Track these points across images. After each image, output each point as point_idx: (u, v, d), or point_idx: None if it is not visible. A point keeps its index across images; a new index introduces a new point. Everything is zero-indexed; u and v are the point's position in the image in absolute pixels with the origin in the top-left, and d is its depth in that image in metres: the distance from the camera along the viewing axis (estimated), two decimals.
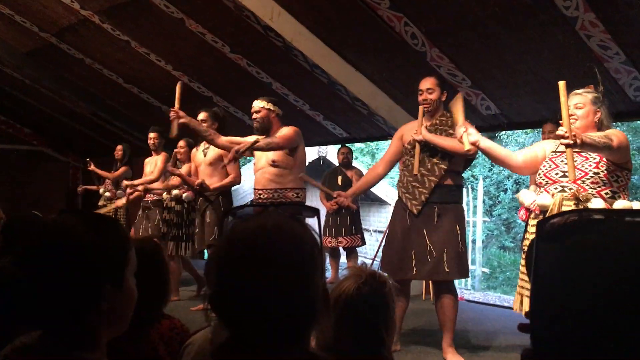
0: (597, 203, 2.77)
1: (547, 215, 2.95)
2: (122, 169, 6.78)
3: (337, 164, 6.86)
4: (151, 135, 6.05)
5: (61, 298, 1.00)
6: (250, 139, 4.16)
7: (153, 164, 6.04)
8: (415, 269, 3.63)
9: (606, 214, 0.62)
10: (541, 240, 0.62)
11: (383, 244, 3.95)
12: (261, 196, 4.29)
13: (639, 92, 4.15)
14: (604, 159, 2.84)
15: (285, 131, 4.21)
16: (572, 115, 2.92)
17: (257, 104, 4.31)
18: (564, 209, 2.79)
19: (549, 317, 0.57)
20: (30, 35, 6.66)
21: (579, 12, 3.62)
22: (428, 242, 3.59)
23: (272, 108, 4.30)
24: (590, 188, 2.82)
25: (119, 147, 7.02)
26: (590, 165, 2.85)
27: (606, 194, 2.81)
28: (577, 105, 2.94)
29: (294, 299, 0.92)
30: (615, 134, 2.80)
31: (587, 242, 0.57)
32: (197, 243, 5.04)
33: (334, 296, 1.53)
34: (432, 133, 3.68)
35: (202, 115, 4.92)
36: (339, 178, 6.41)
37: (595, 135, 2.73)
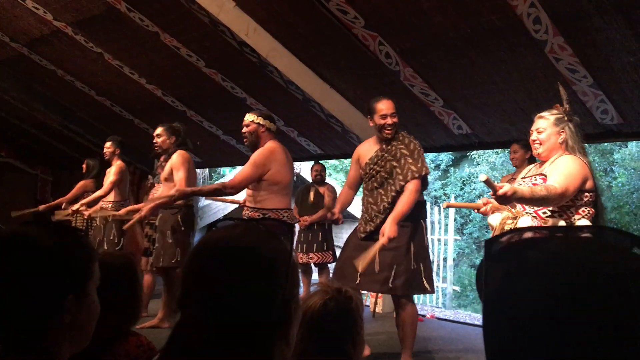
0: (523, 221, 2.80)
1: (492, 234, 3.01)
2: (79, 184, 6.62)
3: (310, 180, 6.86)
4: (106, 144, 5.89)
5: (22, 309, 0.98)
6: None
7: (108, 175, 5.92)
8: (359, 279, 3.60)
9: (550, 232, 0.63)
10: (489, 259, 0.63)
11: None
12: (247, 214, 4.16)
13: (606, 115, 4.26)
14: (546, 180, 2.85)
15: (246, 164, 4.06)
16: (534, 140, 2.97)
17: (247, 117, 4.17)
18: (506, 227, 2.82)
19: (500, 335, 0.58)
20: (1, 45, 6.57)
21: (548, 36, 3.71)
22: (377, 256, 3.55)
23: (261, 122, 4.13)
24: (529, 208, 2.84)
25: (85, 161, 6.89)
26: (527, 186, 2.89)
27: (544, 213, 2.81)
28: (539, 129, 2.95)
29: (248, 305, 0.93)
30: (562, 181, 2.72)
31: (531, 259, 0.59)
32: (155, 258, 4.83)
33: (301, 312, 1.54)
34: (379, 163, 3.73)
35: (158, 130, 4.83)
36: (311, 194, 6.41)
37: (529, 189, 2.66)
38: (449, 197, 14.03)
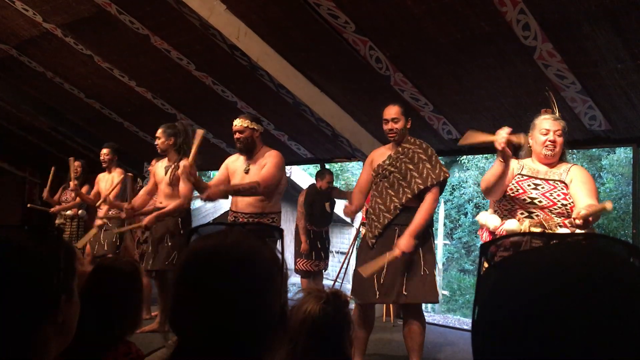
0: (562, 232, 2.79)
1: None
2: (85, 187, 6.61)
3: (301, 185, 6.84)
4: (103, 151, 5.95)
5: (19, 313, 0.98)
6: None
7: (109, 182, 5.92)
8: (378, 293, 3.55)
9: (546, 237, 0.64)
10: (485, 262, 0.64)
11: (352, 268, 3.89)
12: (237, 219, 4.13)
13: (594, 121, 4.29)
14: (569, 190, 2.86)
15: (270, 166, 4.05)
16: (553, 141, 2.96)
17: (240, 123, 4.13)
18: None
19: (490, 338, 0.58)
20: None
21: (537, 42, 3.74)
22: (386, 266, 3.52)
23: (255, 127, 4.15)
24: (557, 217, 2.83)
25: (77, 163, 6.85)
26: (559, 196, 2.86)
27: (569, 222, 2.83)
28: (557, 132, 2.95)
29: (247, 317, 0.92)
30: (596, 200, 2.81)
31: (527, 264, 0.59)
32: (146, 262, 4.80)
33: (298, 319, 1.55)
34: (393, 163, 3.71)
35: (157, 132, 4.83)
36: (327, 205, 6.33)
37: (592, 207, 2.64)
38: (438, 202, 14.08)
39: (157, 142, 4.83)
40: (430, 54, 4.30)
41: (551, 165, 2.99)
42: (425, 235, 3.65)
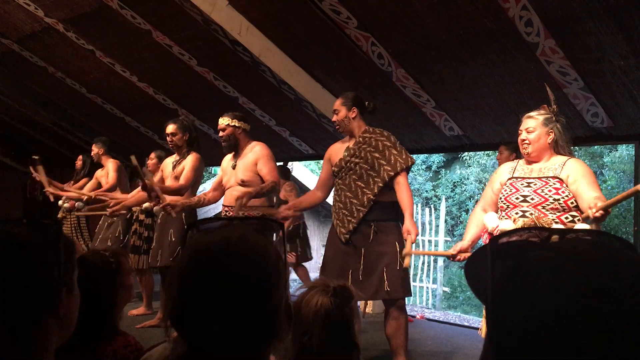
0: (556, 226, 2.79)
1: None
2: (82, 181, 6.63)
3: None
4: (92, 148, 6.03)
5: (20, 307, 0.98)
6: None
7: (105, 176, 5.97)
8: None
9: (560, 232, 0.64)
10: (496, 257, 0.64)
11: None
12: (227, 213, 4.18)
13: (596, 118, 4.28)
14: (564, 185, 2.86)
15: (265, 161, 4.11)
16: (524, 140, 2.99)
17: (222, 121, 4.20)
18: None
19: (509, 332, 0.59)
20: None
21: (539, 39, 3.73)
22: (362, 262, 3.47)
23: (237, 124, 4.17)
24: (551, 214, 2.82)
25: (80, 157, 6.88)
26: (550, 191, 2.85)
27: (566, 218, 2.81)
28: (528, 129, 2.98)
29: (256, 312, 0.92)
30: (599, 190, 2.80)
31: (542, 258, 0.60)
32: (152, 258, 4.81)
33: (310, 312, 1.57)
34: (356, 154, 3.62)
35: (170, 128, 4.77)
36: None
37: (602, 203, 2.62)
38: (440, 199, 14.06)
39: (173, 138, 4.75)
40: (432, 50, 4.29)
41: (545, 161, 3.00)
42: (399, 228, 3.57)
